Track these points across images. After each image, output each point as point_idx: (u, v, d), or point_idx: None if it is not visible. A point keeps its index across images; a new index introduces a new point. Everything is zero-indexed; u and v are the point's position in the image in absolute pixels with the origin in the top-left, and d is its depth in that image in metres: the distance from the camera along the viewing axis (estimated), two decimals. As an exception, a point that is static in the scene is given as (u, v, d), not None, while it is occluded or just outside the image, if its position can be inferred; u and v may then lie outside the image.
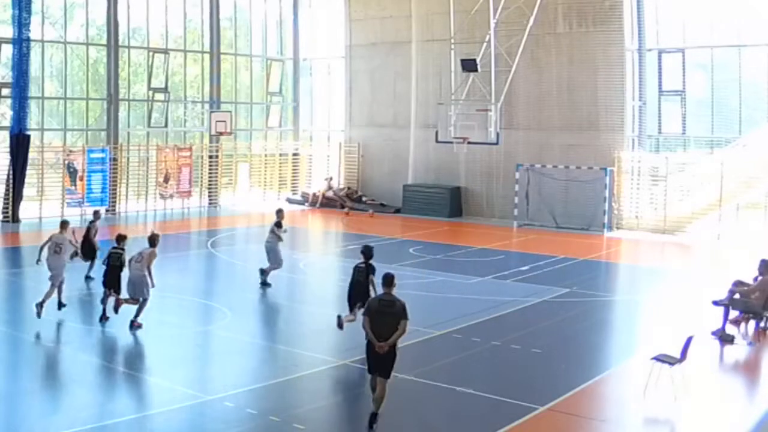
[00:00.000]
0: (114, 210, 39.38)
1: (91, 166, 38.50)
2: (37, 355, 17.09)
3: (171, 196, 41.82)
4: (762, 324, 20.03)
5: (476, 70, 37.77)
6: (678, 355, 15.39)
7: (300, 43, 49.25)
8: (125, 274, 19.28)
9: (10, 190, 35.59)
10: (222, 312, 20.97)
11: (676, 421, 14.59)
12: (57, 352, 17.21)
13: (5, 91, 35.77)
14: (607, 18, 38.02)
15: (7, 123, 35.98)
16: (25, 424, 13.16)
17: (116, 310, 19.02)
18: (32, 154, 36.40)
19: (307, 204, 45.96)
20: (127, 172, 40.40)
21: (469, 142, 38.08)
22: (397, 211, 43.28)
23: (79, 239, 23.03)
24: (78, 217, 37.50)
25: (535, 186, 39.38)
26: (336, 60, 48.02)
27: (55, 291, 19.81)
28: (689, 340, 15.54)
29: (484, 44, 38.33)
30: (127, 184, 40.47)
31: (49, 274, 19.96)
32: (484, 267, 27.66)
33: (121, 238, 20.25)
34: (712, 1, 36.80)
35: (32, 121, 37.13)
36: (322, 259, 31.32)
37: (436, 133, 39.65)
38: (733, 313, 20.09)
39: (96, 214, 25.69)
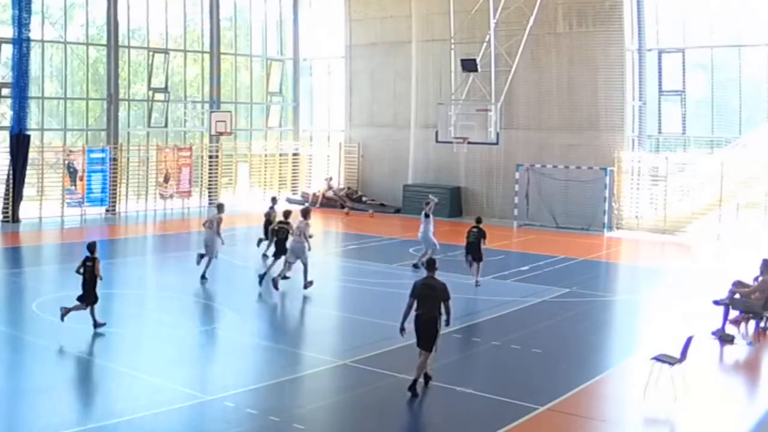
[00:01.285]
0: (114, 210, 39.37)
1: (91, 166, 38.49)
2: (37, 355, 17.07)
3: (171, 196, 41.81)
4: (762, 324, 20.04)
5: (476, 70, 37.79)
6: (678, 355, 15.40)
7: (300, 43, 49.26)
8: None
9: (10, 190, 35.57)
10: (222, 312, 20.96)
11: (676, 421, 14.59)
12: (57, 353, 17.19)
13: (5, 91, 35.77)
14: (607, 18, 38.01)
15: (7, 123, 35.97)
16: (25, 424, 13.16)
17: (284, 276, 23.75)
18: (32, 154, 36.38)
19: (307, 204, 45.97)
20: (127, 172, 40.39)
21: (469, 142, 38.09)
22: (397, 211, 43.29)
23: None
24: (78, 217, 37.60)
25: (535, 186, 39.40)
26: (336, 60, 48.03)
27: (208, 261, 24.43)
28: (689, 340, 15.55)
29: (484, 44, 38.35)
30: (127, 184, 40.45)
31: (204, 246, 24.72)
32: (485, 267, 27.64)
33: (287, 214, 25.01)
34: (712, 1, 36.80)
35: (32, 121, 37.13)
36: (322, 259, 31.29)
37: (436, 133, 39.66)
38: (733, 313, 20.10)
39: (273, 200, 30.02)
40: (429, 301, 14.93)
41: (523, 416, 14.06)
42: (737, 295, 19.96)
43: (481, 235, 24.71)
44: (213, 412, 14.05)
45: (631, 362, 17.64)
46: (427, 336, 14.92)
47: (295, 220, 24.45)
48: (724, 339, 19.10)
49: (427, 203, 28.02)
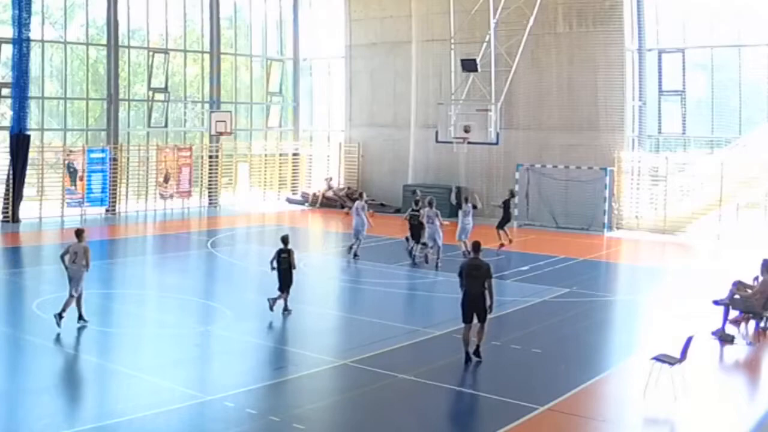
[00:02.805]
0: (114, 210, 39.36)
1: (91, 166, 38.47)
2: (37, 355, 17.07)
3: (171, 196, 41.81)
4: (762, 324, 20.02)
5: (476, 70, 37.75)
6: (678, 355, 15.39)
7: (300, 43, 49.27)
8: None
9: (10, 190, 35.56)
10: (222, 312, 20.97)
11: (676, 421, 14.59)
12: (57, 353, 17.20)
13: (5, 91, 35.76)
14: (607, 18, 38.02)
15: (7, 123, 35.96)
16: (25, 424, 13.16)
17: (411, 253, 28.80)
18: (32, 154, 36.37)
19: (307, 204, 45.98)
20: (127, 172, 40.38)
21: (469, 142, 38.05)
22: (397, 211, 43.24)
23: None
24: (78, 217, 37.58)
25: (535, 186, 39.39)
26: (336, 60, 48.03)
27: (358, 242, 29.05)
28: (689, 340, 15.54)
29: (484, 44, 38.31)
30: (127, 184, 40.44)
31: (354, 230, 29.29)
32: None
33: (416, 202, 29.53)
34: (712, 1, 36.80)
35: (32, 121, 37.12)
36: (322, 258, 31.31)
37: (436, 133, 39.62)
38: (733, 313, 20.08)
39: (415, 192, 31.91)
40: (475, 279, 16.66)
41: (523, 416, 14.04)
42: (737, 296, 19.95)
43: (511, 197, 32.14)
44: (213, 412, 14.05)
45: (631, 362, 17.64)
46: (479, 309, 16.67)
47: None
48: (724, 339, 19.09)
49: (466, 198, 31.06)
